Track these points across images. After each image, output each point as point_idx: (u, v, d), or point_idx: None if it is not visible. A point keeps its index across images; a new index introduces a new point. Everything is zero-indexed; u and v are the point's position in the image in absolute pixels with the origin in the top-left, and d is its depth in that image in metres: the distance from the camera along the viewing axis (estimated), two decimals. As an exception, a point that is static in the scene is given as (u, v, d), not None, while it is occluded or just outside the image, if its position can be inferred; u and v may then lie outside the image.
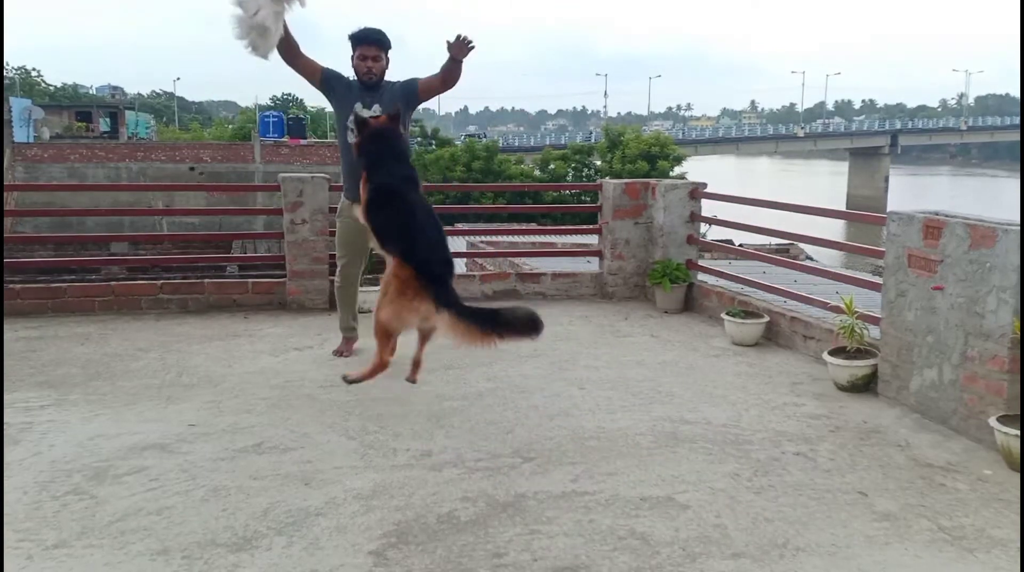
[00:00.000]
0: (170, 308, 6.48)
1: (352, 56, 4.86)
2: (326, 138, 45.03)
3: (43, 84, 76.55)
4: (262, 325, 6.01)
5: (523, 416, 4.24)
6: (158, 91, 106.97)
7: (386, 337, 3.84)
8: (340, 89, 4.90)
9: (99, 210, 20.77)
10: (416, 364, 4.16)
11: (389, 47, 4.83)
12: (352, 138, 4.63)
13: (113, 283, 6.61)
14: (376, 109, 4.72)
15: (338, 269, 5.33)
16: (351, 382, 4.05)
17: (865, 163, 76.85)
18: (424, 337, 4.07)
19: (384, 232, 3.97)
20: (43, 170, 32.30)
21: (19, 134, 34.38)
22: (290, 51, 4.78)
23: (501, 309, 3.76)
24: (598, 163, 43.80)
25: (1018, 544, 2.97)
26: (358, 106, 4.75)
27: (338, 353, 5.28)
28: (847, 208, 39.16)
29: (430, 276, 3.74)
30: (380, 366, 3.90)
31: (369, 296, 6.51)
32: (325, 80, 4.90)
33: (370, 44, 4.74)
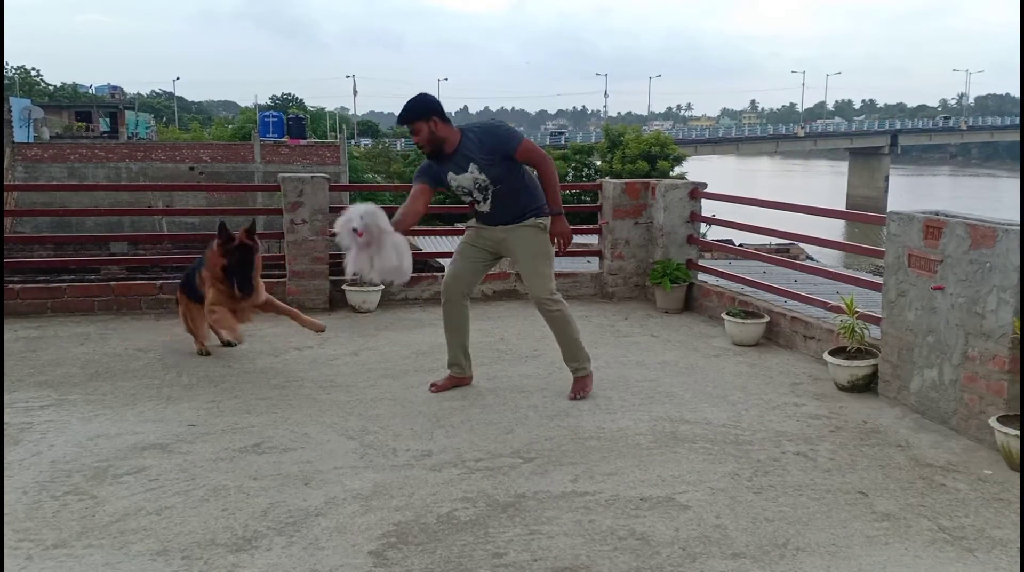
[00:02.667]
0: (170, 308, 6.46)
1: None
2: (325, 138, 45.05)
3: (43, 84, 76.54)
4: (262, 325, 6.00)
5: (523, 416, 4.24)
6: (158, 91, 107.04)
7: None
8: (434, 169, 4.55)
9: (99, 210, 20.70)
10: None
11: (422, 115, 4.39)
12: (470, 197, 4.50)
13: (113, 283, 6.60)
14: (473, 168, 4.42)
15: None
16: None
17: (865, 163, 76.86)
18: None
19: None
20: (43, 170, 32.30)
21: (19, 134, 34.38)
22: (418, 215, 4.59)
23: None
24: (598, 163, 43.75)
25: (1018, 544, 2.97)
26: (451, 177, 4.48)
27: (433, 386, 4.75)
28: (847, 208, 39.16)
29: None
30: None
31: (370, 296, 6.54)
32: (432, 184, 4.58)
33: (402, 125, 4.51)
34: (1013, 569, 2.82)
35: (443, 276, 6.95)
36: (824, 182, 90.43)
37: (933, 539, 3.01)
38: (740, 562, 2.83)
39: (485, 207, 4.51)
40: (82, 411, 4.24)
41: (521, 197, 4.50)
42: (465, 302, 4.69)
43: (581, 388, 4.58)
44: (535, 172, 4.53)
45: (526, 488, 3.38)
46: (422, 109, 4.40)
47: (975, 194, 74.93)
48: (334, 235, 4.64)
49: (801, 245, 18.71)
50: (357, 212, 4.26)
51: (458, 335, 4.70)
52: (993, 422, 3.67)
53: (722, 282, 6.77)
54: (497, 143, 4.42)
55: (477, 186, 4.45)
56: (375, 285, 4.55)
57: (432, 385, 4.67)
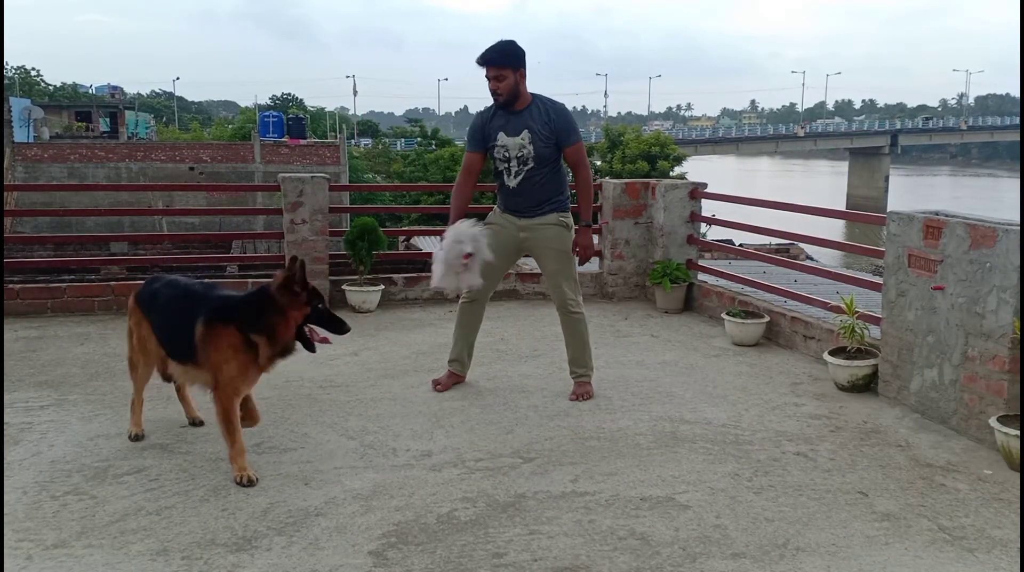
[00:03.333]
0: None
1: None
2: (325, 138, 45.05)
3: (42, 84, 76.51)
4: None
5: (523, 416, 4.24)
6: (158, 91, 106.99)
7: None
8: (485, 128, 4.42)
9: (99, 210, 20.78)
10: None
11: (513, 63, 4.26)
12: (506, 165, 4.36)
13: (113, 283, 6.60)
14: (527, 136, 4.31)
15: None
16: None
17: (865, 163, 76.84)
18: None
19: None
20: (43, 170, 32.28)
21: (19, 134, 34.36)
22: (474, 187, 4.64)
23: None
24: (598, 163, 43.75)
25: (1018, 544, 2.97)
26: (502, 135, 4.34)
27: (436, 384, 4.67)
28: (847, 208, 39.16)
29: None
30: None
31: (370, 296, 6.53)
32: (480, 148, 4.45)
33: (486, 66, 4.27)
34: (1013, 569, 2.82)
35: None
36: (824, 182, 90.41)
37: (933, 539, 3.01)
38: (740, 562, 2.83)
39: (513, 182, 4.40)
40: (82, 411, 4.24)
41: (549, 187, 4.42)
42: (486, 303, 4.70)
43: (584, 392, 4.54)
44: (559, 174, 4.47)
45: (526, 488, 3.38)
46: (517, 58, 4.28)
47: (975, 194, 74.94)
48: (426, 256, 4.31)
49: (801, 245, 18.70)
50: (470, 235, 4.18)
51: (469, 334, 4.70)
52: (993, 422, 3.67)
53: (722, 282, 6.77)
54: (563, 126, 4.36)
55: (519, 155, 4.34)
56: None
57: (436, 384, 4.65)
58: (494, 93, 4.32)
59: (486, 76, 4.30)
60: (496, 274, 4.60)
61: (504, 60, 4.25)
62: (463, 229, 4.20)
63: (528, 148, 4.31)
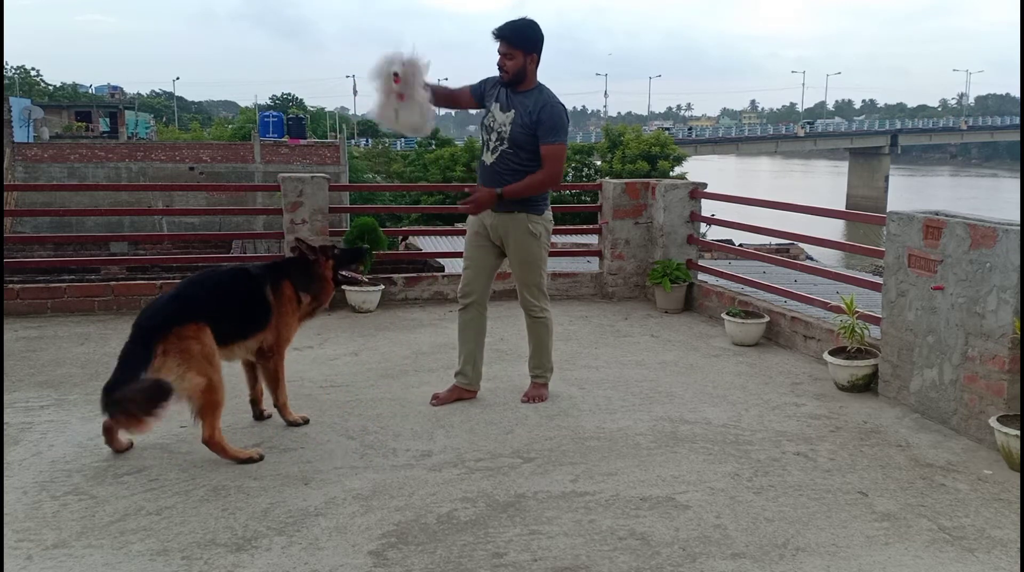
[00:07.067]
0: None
1: None
2: (325, 138, 45.04)
3: (42, 84, 76.54)
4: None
5: (523, 416, 4.24)
6: (158, 91, 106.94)
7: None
8: (487, 90, 4.42)
9: (99, 210, 20.77)
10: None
11: (526, 46, 4.20)
12: (488, 136, 4.36)
13: (113, 283, 6.60)
14: (511, 116, 4.26)
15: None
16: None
17: (865, 163, 76.83)
18: None
19: None
20: (43, 170, 32.28)
21: (19, 134, 34.36)
22: (450, 101, 4.59)
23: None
24: (598, 163, 43.71)
25: (1018, 544, 2.97)
26: (495, 107, 4.33)
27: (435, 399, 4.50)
28: (847, 208, 39.17)
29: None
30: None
31: (370, 296, 6.53)
32: (477, 97, 4.47)
33: (499, 39, 4.21)
34: (1013, 569, 2.82)
35: (443, 276, 6.92)
36: (824, 182, 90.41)
37: (933, 539, 3.01)
38: (740, 562, 2.83)
39: (489, 157, 4.36)
40: (82, 411, 4.24)
41: (522, 179, 4.29)
42: (485, 307, 4.51)
43: (538, 395, 4.50)
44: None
45: (526, 488, 3.38)
46: (532, 42, 4.22)
47: (975, 194, 74.95)
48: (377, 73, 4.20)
49: (801, 245, 18.71)
50: (400, 58, 4.15)
51: (471, 343, 4.50)
52: (993, 422, 3.67)
53: (722, 282, 6.77)
54: (545, 122, 4.23)
55: (499, 131, 4.31)
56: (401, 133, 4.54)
57: (434, 397, 4.47)
58: (501, 69, 4.26)
59: (498, 49, 4.23)
60: (485, 271, 4.49)
61: (517, 41, 4.19)
62: (395, 53, 4.17)
63: (507, 128, 4.27)
